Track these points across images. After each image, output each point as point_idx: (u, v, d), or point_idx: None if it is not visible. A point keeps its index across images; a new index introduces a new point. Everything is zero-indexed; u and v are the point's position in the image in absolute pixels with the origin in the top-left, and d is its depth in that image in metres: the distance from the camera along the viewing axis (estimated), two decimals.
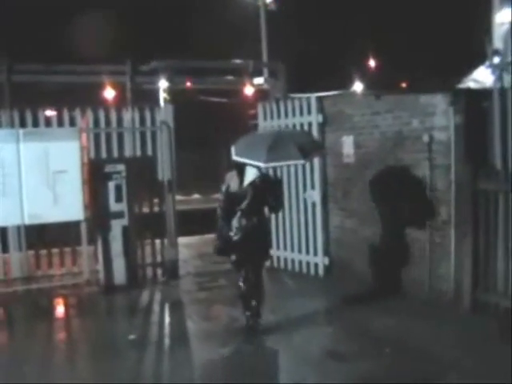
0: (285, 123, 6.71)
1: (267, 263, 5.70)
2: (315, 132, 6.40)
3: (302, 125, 6.55)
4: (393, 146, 5.70)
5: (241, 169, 4.72)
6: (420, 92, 5.35)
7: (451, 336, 4.47)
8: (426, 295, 5.28)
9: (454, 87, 5.26)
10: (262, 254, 4.81)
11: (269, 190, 4.64)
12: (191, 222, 8.03)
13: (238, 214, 4.59)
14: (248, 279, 4.66)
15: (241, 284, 4.70)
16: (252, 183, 4.63)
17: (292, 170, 6.53)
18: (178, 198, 7.07)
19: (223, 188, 4.71)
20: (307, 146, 4.66)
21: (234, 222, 4.61)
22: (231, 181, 4.74)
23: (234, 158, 4.60)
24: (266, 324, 4.79)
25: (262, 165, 4.47)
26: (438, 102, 5.19)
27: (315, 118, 6.39)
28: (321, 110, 6.40)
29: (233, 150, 4.66)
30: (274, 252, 6.85)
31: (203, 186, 15.33)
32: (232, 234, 4.59)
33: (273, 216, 6.43)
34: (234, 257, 4.67)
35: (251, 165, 4.52)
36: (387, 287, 5.59)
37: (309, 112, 6.46)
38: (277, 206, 4.80)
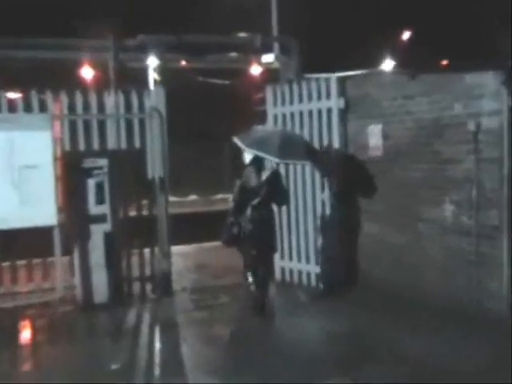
0: (299, 109, 6.75)
1: (277, 276, 6.49)
2: (335, 120, 6.45)
3: (319, 111, 6.59)
4: (429, 137, 5.72)
5: (259, 164, 5.66)
6: (464, 70, 5.36)
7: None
8: (472, 313, 5.26)
9: (508, 64, 5.18)
10: (271, 247, 5.80)
11: (278, 186, 5.71)
12: (187, 228, 8.07)
13: (250, 207, 5.50)
14: (257, 274, 5.59)
15: (250, 280, 5.64)
16: (268, 178, 5.62)
17: (307, 167, 6.59)
18: (172, 199, 7.26)
19: (238, 183, 5.59)
20: (310, 149, 5.80)
21: (247, 215, 5.58)
22: (250, 176, 5.61)
23: (247, 149, 5.54)
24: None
25: (277, 160, 5.51)
26: (488, 82, 5.13)
27: (335, 103, 6.43)
28: (342, 93, 6.45)
29: (239, 142, 5.53)
30: (285, 264, 6.97)
31: (202, 185, 15.38)
32: (243, 224, 5.56)
33: (284, 222, 6.74)
34: (253, 251, 5.55)
35: (265, 158, 5.51)
36: (422, 303, 5.57)
37: (328, 96, 6.49)
38: (285, 200, 6.03)
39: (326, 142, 6.50)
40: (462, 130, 5.34)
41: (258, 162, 5.69)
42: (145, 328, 5.73)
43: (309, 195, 6.69)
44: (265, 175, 5.69)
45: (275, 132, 5.97)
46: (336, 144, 6.44)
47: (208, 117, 16.54)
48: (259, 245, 5.61)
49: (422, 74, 5.78)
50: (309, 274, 6.78)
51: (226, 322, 5.73)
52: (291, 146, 5.66)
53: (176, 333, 5.48)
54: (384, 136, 6.16)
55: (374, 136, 6.23)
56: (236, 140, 5.60)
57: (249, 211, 5.58)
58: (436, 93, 5.61)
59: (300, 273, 6.87)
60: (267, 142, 5.58)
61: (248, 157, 5.74)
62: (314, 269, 6.72)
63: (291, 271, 6.97)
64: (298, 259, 6.88)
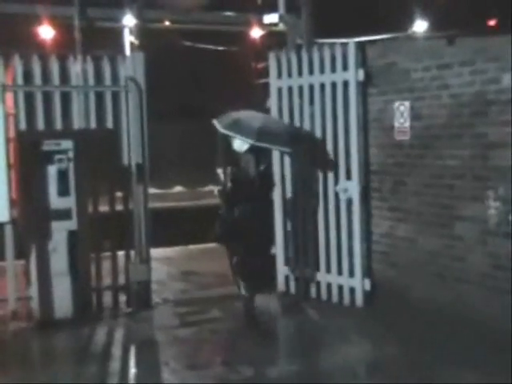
0: (308, 82, 6.72)
1: (281, 287, 6.75)
2: (353, 95, 6.40)
3: (333, 85, 6.54)
4: (471, 116, 5.66)
5: (257, 152, 6.08)
6: None
7: None
8: None
9: None
10: (263, 246, 6.35)
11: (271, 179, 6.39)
12: (171, 227, 8.22)
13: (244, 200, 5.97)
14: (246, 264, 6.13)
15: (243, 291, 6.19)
16: (265, 168, 6.17)
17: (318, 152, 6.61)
18: (153, 191, 7.54)
19: (232, 171, 6.06)
20: (298, 135, 6.42)
21: (240, 207, 6.05)
22: (248, 165, 6.05)
23: (222, 131, 6.02)
24: None
25: (251, 141, 5.95)
26: None
27: (354, 75, 6.38)
28: (362, 62, 6.41)
29: (216, 123, 6.05)
30: (289, 271, 6.96)
31: (189, 174, 15.25)
32: (236, 216, 6.01)
33: (288, 221, 6.88)
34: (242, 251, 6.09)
35: (240, 140, 6.02)
36: (467, 326, 5.50)
37: (344, 66, 6.44)
38: (271, 191, 6.69)
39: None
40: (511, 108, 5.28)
41: (257, 151, 6.06)
42: (117, 350, 5.68)
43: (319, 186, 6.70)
44: (262, 167, 6.16)
45: (258, 116, 6.44)
46: (353, 125, 6.42)
47: (197, 91, 16.28)
48: (250, 244, 5.99)
49: (463, 37, 5.78)
50: (318, 284, 6.78)
51: (218, 342, 5.73)
52: (272, 131, 6.17)
53: (155, 356, 5.48)
54: (413, 116, 6.09)
55: (401, 116, 6.19)
56: (215, 121, 6.08)
57: (242, 204, 5.98)
58: (480, 61, 5.54)
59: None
60: (245, 125, 6.07)
61: (241, 144, 6.09)
62: (325, 277, 6.73)
63: (297, 280, 6.95)
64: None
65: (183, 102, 15.93)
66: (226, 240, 6.25)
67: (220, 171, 6.40)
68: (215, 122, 6.16)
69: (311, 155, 6.69)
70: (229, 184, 6.16)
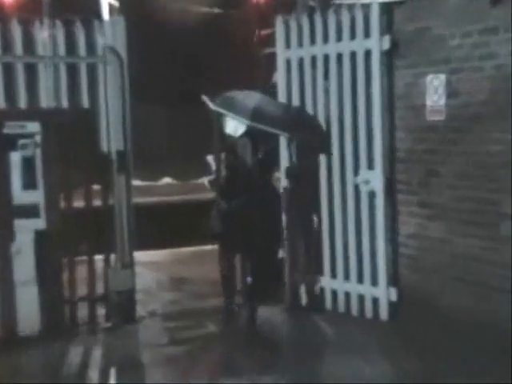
0: (323, 52, 6.70)
1: (286, 299, 6.83)
2: (376, 67, 6.37)
3: (353, 55, 6.51)
4: None
5: (255, 136, 6.26)
6: None
7: None
8: None
9: None
10: (271, 238, 6.51)
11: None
12: (159, 226, 8.34)
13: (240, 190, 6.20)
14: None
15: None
16: (265, 155, 6.37)
17: (334, 135, 6.67)
18: (137, 183, 7.58)
19: (226, 158, 6.33)
20: (297, 120, 6.53)
21: (236, 199, 6.24)
22: (244, 151, 6.23)
23: (213, 107, 6.23)
24: None
25: (246, 122, 6.12)
26: None
27: (377, 43, 6.34)
28: (388, 28, 6.34)
29: (207, 99, 6.26)
30: (299, 278, 6.95)
31: (179, 164, 15.13)
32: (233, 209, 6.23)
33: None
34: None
35: (233, 119, 6.22)
36: None
37: (366, 32, 6.40)
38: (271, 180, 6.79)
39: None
40: None
41: (254, 135, 6.22)
42: (94, 373, 5.63)
43: (336, 177, 6.71)
44: (260, 153, 6.40)
45: (255, 95, 6.59)
46: (377, 104, 6.36)
47: (189, 63, 16.19)
48: (250, 242, 6.27)
49: None
50: (335, 293, 6.79)
51: (214, 363, 5.72)
52: (270, 112, 6.31)
53: (140, 380, 5.47)
54: (449, 92, 5.99)
55: (435, 92, 6.11)
56: (205, 98, 6.31)
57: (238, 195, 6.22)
58: None
59: (322, 291, 6.86)
60: (240, 103, 6.28)
61: (235, 127, 6.31)
62: (343, 286, 6.74)
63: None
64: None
65: (172, 78, 15.71)
66: (223, 237, 6.43)
67: (211, 158, 6.64)
68: (206, 97, 6.32)
69: (313, 143, 6.77)
70: (223, 172, 6.35)
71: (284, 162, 6.91)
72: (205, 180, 6.74)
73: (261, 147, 6.49)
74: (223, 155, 6.51)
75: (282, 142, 6.91)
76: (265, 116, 6.23)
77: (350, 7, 6.56)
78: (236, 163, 6.38)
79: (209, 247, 6.97)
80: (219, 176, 6.66)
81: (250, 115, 6.14)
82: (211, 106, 6.27)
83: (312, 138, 6.70)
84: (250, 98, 6.42)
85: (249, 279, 6.48)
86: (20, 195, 6.07)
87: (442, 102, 6.04)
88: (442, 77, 6.03)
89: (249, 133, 6.27)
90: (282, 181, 6.93)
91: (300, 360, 5.75)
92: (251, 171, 6.31)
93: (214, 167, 6.73)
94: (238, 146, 6.38)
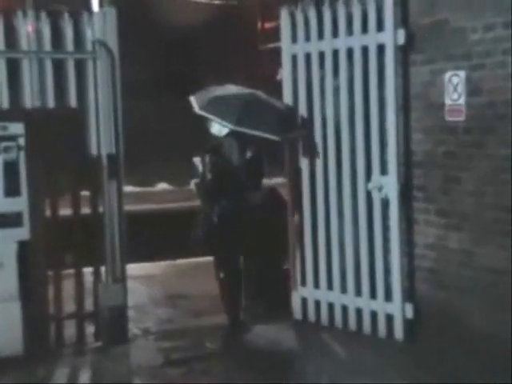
0: (332, 47, 6.64)
1: (296, 314, 6.82)
2: (391, 63, 6.26)
3: (364, 50, 6.42)
4: None
5: (241, 136, 6.38)
6: None
7: None
8: None
9: None
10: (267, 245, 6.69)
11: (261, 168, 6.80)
12: (154, 236, 8.35)
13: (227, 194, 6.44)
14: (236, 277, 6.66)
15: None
16: (253, 157, 6.61)
17: (344, 138, 6.59)
18: (129, 189, 7.64)
19: (208, 159, 6.43)
20: (288, 120, 6.57)
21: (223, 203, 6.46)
22: (231, 152, 6.41)
23: (198, 111, 6.32)
24: None
25: (231, 126, 6.26)
26: None
27: (391, 38, 6.22)
28: (403, 20, 6.24)
29: (194, 101, 6.39)
30: (306, 292, 6.92)
31: (176, 168, 14.84)
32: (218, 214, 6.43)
33: (304, 226, 6.87)
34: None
35: (218, 123, 6.40)
36: None
37: (380, 25, 6.29)
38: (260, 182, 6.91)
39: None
40: None
41: (240, 135, 6.39)
42: None
43: (346, 183, 6.61)
44: (249, 153, 6.60)
45: (241, 93, 6.73)
46: (391, 103, 6.23)
47: (187, 58, 16.17)
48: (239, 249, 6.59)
49: None
50: (345, 310, 6.66)
51: None
52: (257, 112, 6.41)
53: None
54: (470, 90, 5.83)
55: (454, 90, 5.97)
56: (192, 99, 6.45)
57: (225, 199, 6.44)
58: None
59: (331, 307, 6.77)
60: (224, 104, 6.38)
61: (219, 127, 6.48)
62: (354, 301, 6.60)
63: (317, 304, 6.86)
64: (328, 286, 6.77)
65: (169, 73, 15.86)
66: (211, 246, 6.55)
67: (197, 160, 6.61)
68: (193, 98, 6.47)
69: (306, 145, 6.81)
70: (208, 175, 6.45)
71: (287, 162, 6.82)
72: (191, 183, 6.72)
73: (250, 147, 6.61)
74: (208, 157, 6.58)
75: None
76: (252, 117, 6.35)
77: None
78: (221, 165, 6.49)
79: (207, 259, 6.84)
80: (205, 179, 6.64)
81: (235, 119, 6.25)
82: (196, 110, 6.38)
83: (300, 137, 6.72)
84: (236, 97, 6.55)
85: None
86: (1, 203, 5.98)
87: (462, 100, 5.92)
88: (462, 73, 5.89)
89: (234, 132, 6.43)
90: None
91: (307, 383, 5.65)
92: (238, 173, 6.44)
93: (200, 169, 6.68)
94: (223, 147, 6.55)
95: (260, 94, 6.87)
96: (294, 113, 6.74)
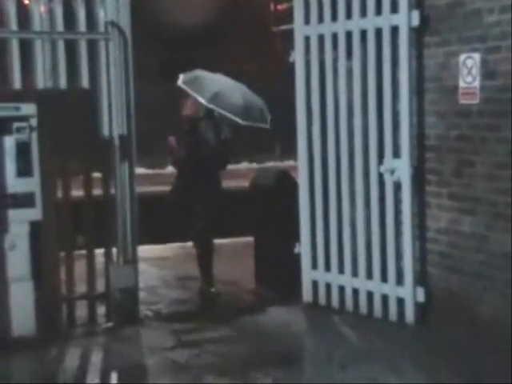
0: (345, 29, 6.63)
1: (307, 297, 6.89)
2: (404, 46, 6.28)
3: (378, 32, 6.41)
4: None
5: (213, 116, 7.11)
6: None
7: None
8: None
9: None
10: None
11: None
12: (165, 217, 8.02)
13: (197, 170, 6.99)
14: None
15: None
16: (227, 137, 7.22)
17: (356, 120, 6.59)
18: (141, 171, 7.76)
19: (184, 140, 7.06)
20: (256, 110, 7.22)
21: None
22: (208, 131, 7.03)
23: (180, 84, 6.98)
24: None
25: (203, 101, 6.88)
26: None
27: (405, 19, 6.23)
28: (417, 2, 6.23)
29: (181, 77, 7.04)
30: (317, 275, 6.97)
31: None
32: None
33: (316, 209, 6.96)
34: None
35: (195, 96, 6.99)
36: None
37: (393, 7, 6.28)
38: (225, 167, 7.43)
39: None
40: None
41: (210, 114, 7.07)
42: (93, 379, 5.54)
43: (358, 166, 6.62)
44: (224, 133, 7.17)
45: (223, 80, 7.39)
46: (404, 86, 6.25)
47: (200, 39, 16.18)
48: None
49: None
50: (356, 293, 6.69)
51: (226, 369, 5.52)
52: (230, 97, 7.03)
53: None
54: (485, 72, 5.82)
55: (469, 72, 5.97)
56: (181, 76, 7.04)
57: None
58: None
59: (342, 291, 6.79)
60: (204, 83, 7.05)
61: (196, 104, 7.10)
62: (365, 285, 6.62)
63: (328, 288, 6.88)
64: (339, 269, 6.78)
65: (182, 55, 15.66)
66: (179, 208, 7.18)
67: (172, 139, 7.13)
68: (181, 76, 7.04)
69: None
70: (182, 154, 7.05)
71: (301, 149, 6.82)
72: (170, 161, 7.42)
73: (224, 129, 7.18)
74: (183, 137, 7.13)
75: (300, 127, 6.80)
76: (224, 99, 6.95)
77: None
78: (195, 144, 7.00)
79: (221, 241, 6.86)
80: (180, 157, 7.14)
81: (209, 97, 6.85)
82: (180, 83, 6.94)
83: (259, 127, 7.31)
84: (217, 82, 7.18)
85: None
86: (14, 183, 5.98)
87: (477, 83, 5.91)
88: (477, 56, 5.87)
89: (211, 114, 7.06)
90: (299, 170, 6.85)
91: (318, 368, 5.64)
92: (211, 152, 6.98)
93: (175, 147, 7.18)
94: (199, 128, 7.09)
95: (240, 85, 7.47)
96: (258, 102, 7.36)
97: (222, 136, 7.15)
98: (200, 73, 7.29)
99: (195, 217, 7.04)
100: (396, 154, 6.34)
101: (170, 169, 16.75)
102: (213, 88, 7.00)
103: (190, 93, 6.94)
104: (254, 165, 17.15)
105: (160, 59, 14.29)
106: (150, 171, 14.26)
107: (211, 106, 6.90)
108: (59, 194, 6.32)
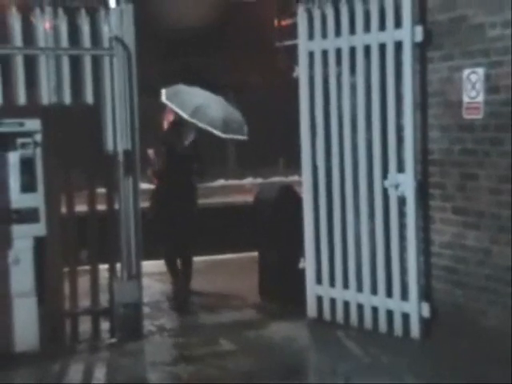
0: (349, 44, 6.65)
1: (312, 312, 6.84)
2: (408, 60, 6.29)
3: (382, 47, 6.43)
4: None
5: (180, 124, 7.54)
6: None
7: None
8: None
9: None
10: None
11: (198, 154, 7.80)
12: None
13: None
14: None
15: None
16: (193, 143, 7.66)
17: (360, 135, 6.60)
18: (145, 186, 7.36)
19: (164, 149, 7.54)
20: (235, 123, 7.63)
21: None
22: (175, 137, 7.54)
23: (164, 100, 7.36)
24: None
25: (185, 116, 7.27)
26: None
27: (409, 35, 6.26)
28: (421, 17, 6.27)
29: (164, 92, 7.40)
30: (322, 291, 6.95)
31: None
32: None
33: (320, 224, 6.89)
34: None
35: (176, 111, 7.42)
36: None
37: (397, 22, 6.32)
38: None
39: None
40: None
41: (178, 122, 7.56)
42: None
43: (363, 181, 6.60)
44: (186, 138, 7.61)
45: (205, 95, 7.81)
46: (408, 100, 6.25)
47: (204, 55, 16.24)
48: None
49: None
50: (361, 308, 6.65)
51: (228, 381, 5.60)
52: (211, 111, 7.42)
53: None
54: (488, 87, 5.84)
55: (472, 87, 5.97)
56: (163, 91, 7.42)
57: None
58: None
59: (347, 306, 6.75)
60: (185, 97, 7.45)
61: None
62: (370, 300, 6.59)
63: (333, 303, 6.84)
64: (343, 285, 6.73)
65: (186, 69, 15.75)
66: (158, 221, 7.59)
67: (151, 152, 7.56)
68: (163, 92, 7.41)
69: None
70: (159, 164, 7.53)
71: (305, 164, 6.81)
72: (148, 171, 7.61)
73: (188, 134, 7.59)
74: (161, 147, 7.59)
75: (304, 142, 6.79)
76: (205, 114, 7.34)
77: None
78: (167, 153, 7.49)
79: (224, 257, 6.81)
80: (159, 168, 7.61)
81: (191, 112, 7.24)
82: (162, 98, 7.33)
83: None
84: (198, 96, 7.61)
85: None
86: (18, 199, 6.00)
87: (480, 98, 5.92)
88: (481, 71, 5.90)
89: (178, 123, 7.53)
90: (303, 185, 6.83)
91: (322, 382, 5.62)
92: (181, 159, 7.49)
93: (154, 159, 7.62)
94: (170, 137, 7.62)
95: (220, 99, 7.95)
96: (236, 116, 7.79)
97: (186, 141, 7.52)
98: (181, 87, 7.70)
99: (175, 226, 7.49)
100: (400, 168, 6.32)
101: None
102: (194, 102, 7.37)
103: (171, 108, 7.37)
104: (259, 180, 17.30)
105: (161, 71, 14.38)
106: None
107: (194, 120, 7.25)
108: (63, 209, 6.32)
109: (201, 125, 7.34)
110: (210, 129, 7.37)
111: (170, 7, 14.01)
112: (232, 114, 7.75)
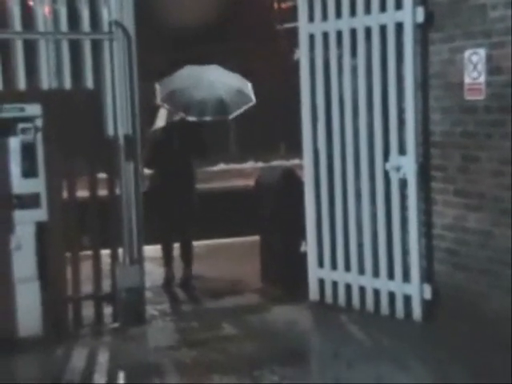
0: (350, 26, 6.64)
1: (314, 296, 6.85)
2: (409, 42, 6.27)
3: (382, 29, 6.41)
4: None
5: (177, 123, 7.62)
6: None
7: None
8: None
9: None
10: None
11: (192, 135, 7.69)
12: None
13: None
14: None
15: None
16: (174, 124, 7.61)
17: (361, 118, 6.58)
18: (146, 171, 7.47)
19: (152, 140, 7.63)
20: (215, 103, 7.61)
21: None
22: (159, 120, 7.66)
23: (159, 102, 7.46)
24: None
25: (158, 100, 7.45)
26: None
27: (410, 16, 6.24)
28: None
29: (158, 90, 7.50)
30: (324, 274, 6.95)
31: None
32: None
33: (322, 207, 6.89)
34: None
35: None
36: None
37: (398, 3, 6.28)
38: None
39: None
40: None
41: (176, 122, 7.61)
42: (100, 379, 5.54)
43: (364, 164, 6.59)
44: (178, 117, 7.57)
45: (188, 72, 7.86)
46: (409, 82, 6.25)
47: (203, 39, 16.20)
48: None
49: None
50: (362, 291, 6.69)
51: (232, 368, 5.52)
52: (189, 94, 7.47)
53: None
54: (490, 68, 5.83)
55: (474, 68, 5.96)
56: (157, 86, 7.54)
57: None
58: None
59: (348, 288, 6.77)
60: (167, 82, 7.60)
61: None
62: (372, 282, 6.60)
63: (335, 286, 6.86)
64: (345, 267, 6.74)
65: (186, 54, 15.74)
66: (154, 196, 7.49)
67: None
68: (157, 86, 7.50)
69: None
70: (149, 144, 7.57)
71: (306, 147, 6.80)
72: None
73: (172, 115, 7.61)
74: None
75: (305, 126, 6.77)
76: (177, 98, 7.42)
77: None
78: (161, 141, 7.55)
79: (227, 241, 6.81)
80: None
81: (164, 96, 7.35)
82: (159, 100, 7.42)
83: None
84: (176, 81, 7.65)
85: None
86: (20, 184, 6.01)
87: (482, 79, 5.91)
88: (482, 52, 5.87)
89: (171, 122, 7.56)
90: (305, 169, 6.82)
91: (325, 366, 5.64)
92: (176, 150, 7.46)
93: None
94: (165, 133, 7.58)
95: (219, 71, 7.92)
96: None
97: (177, 116, 7.50)
98: (179, 72, 7.75)
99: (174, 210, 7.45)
100: (402, 151, 6.33)
101: None
102: (169, 87, 7.46)
103: (169, 110, 7.47)
104: (260, 164, 17.29)
105: (164, 58, 14.34)
106: None
107: (165, 104, 7.40)
108: (65, 194, 6.33)
109: (170, 108, 7.44)
110: (181, 114, 7.46)
111: None
112: (214, 93, 7.61)
